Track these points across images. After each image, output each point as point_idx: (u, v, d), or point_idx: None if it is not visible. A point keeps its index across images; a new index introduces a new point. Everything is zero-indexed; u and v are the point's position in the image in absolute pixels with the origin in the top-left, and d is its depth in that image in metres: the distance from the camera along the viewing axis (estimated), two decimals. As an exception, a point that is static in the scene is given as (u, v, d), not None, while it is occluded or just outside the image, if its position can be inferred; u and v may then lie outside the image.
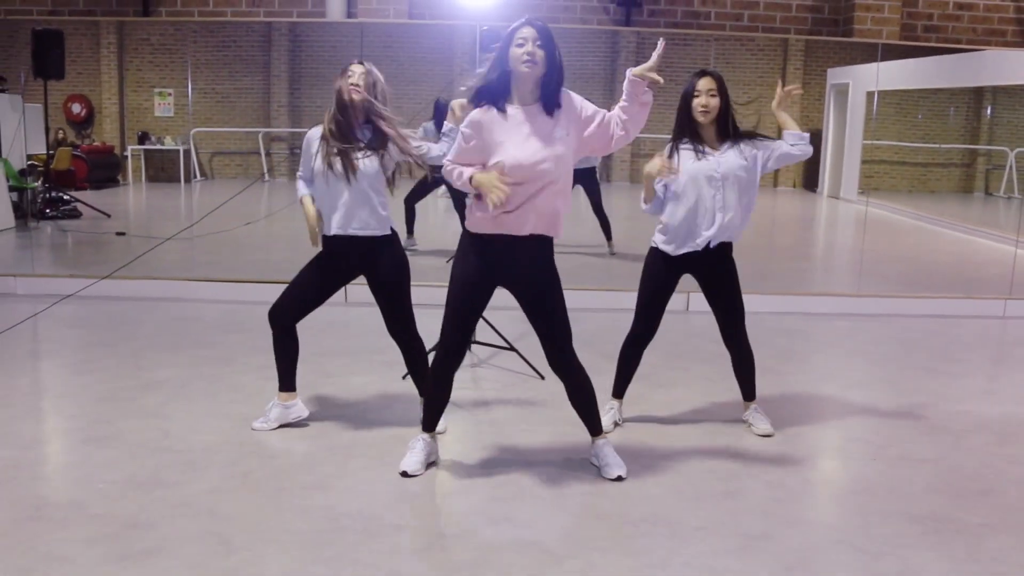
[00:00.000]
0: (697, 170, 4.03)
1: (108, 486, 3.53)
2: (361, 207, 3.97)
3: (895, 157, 14.80)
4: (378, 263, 4.05)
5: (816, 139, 14.66)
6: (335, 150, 3.94)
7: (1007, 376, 5.76)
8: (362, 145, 3.96)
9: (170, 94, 16.20)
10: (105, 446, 3.95)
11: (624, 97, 3.45)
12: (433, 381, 3.74)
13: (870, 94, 14.29)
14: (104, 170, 15.26)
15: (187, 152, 15.48)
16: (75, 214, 11.37)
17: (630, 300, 6.92)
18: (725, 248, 4.15)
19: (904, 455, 4.11)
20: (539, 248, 3.56)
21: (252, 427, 4.19)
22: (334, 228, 3.99)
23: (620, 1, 11.39)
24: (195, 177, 15.10)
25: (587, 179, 8.69)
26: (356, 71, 3.96)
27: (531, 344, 5.27)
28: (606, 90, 13.23)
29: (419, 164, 4.02)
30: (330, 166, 3.93)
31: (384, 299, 4.10)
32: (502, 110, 3.43)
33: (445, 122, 4.11)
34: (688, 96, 4.06)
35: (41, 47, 10.27)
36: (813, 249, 11.59)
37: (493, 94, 3.44)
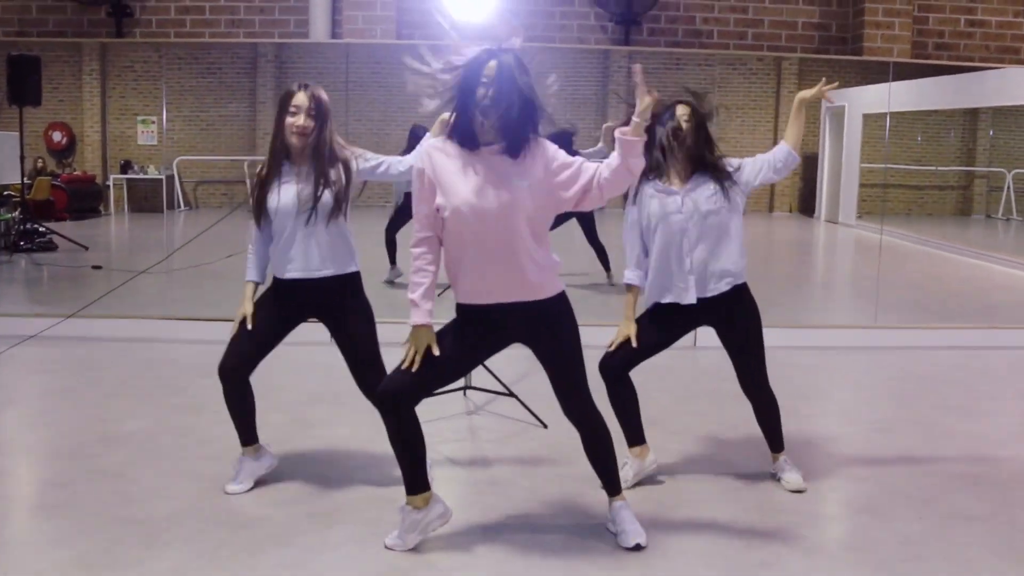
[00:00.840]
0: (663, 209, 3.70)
1: (50, 568, 3.07)
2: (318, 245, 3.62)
3: (891, 180, 14.51)
4: (340, 307, 3.70)
5: (812, 163, 14.36)
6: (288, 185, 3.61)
7: (1044, 414, 5.36)
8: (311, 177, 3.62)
9: (153, 121, 15.82)
10: (56, 515, 3.49)
11: (616, 155, 2.98)
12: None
13: (867, 116, 14.03)
14: (85, 200, 14.85)
15: (171, 180, 15.09)
16: (51, 246, 10.93)
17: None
18: (733, 292, 3.75)
19: (952, 512, 3.68)
20: (547, 305, 3.15)
21: (225, 491, 3.75)
22: (291, 271, 3.63)
23: (618, 20, 11.02)
24: (179, 207, 14.66)
25: (583, 213, 8.30)
26: (300, 104, 3.57)
27: (530, 388, 4.85)
28: (598, 113, 12.87)
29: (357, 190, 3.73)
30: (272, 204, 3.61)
31: (349, 346, 3.72)
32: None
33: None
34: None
35: (17, 73, 9.90)
36: (818, 277, 11.22)
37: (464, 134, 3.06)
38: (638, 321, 3.78)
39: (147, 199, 14.98)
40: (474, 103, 2.92)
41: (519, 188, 2.97)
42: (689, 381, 5.60)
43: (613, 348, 3.75)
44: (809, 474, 4.07)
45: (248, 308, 3.68)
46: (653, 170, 3.69)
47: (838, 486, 3.95)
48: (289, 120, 3.55)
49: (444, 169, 3.02)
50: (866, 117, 13.99)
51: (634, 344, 3.70)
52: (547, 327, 3.15)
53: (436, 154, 3.06)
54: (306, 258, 3.60)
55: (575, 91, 12.93)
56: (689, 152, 3.67)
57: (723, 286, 3.70)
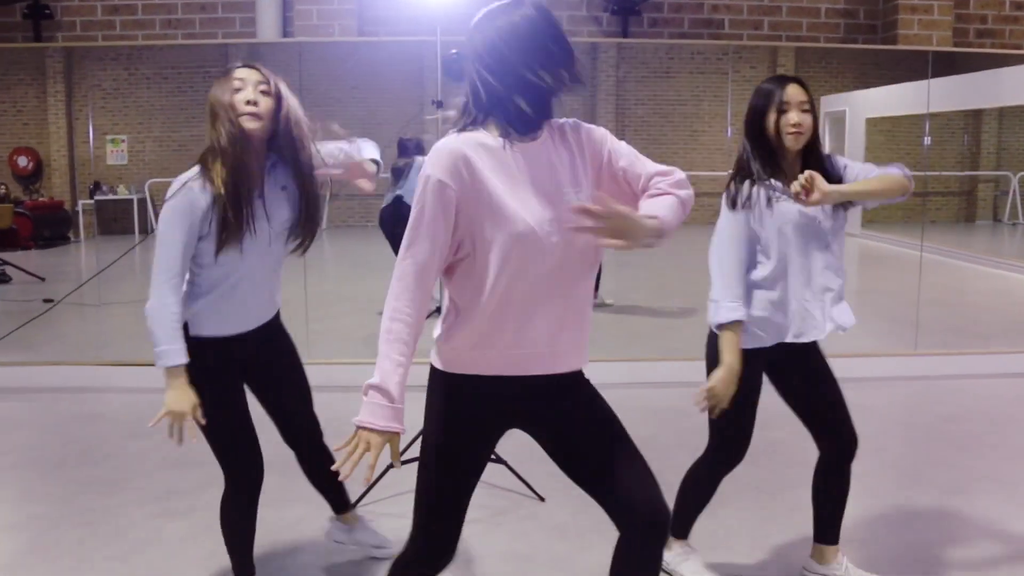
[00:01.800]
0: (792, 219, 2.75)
1: None
2: (272, 288, 2.72)
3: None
4: (272, 346, 2.80)
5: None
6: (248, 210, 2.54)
7: None
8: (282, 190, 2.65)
9: (123, 140, 15.05)
10: None
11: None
12: None
13: (870, 120, 13.30)
14: (52, 227, 14.10)
15: (143, 203, 14.35)
16: (3, 279, 10.15)
17: (643, 371, 5.65)
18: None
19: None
20: (575, 385, 2.15)
21: None
22: (239, 326, 2.67)
23: (615, 10, 10.11)
24: (152, 231, 13.85)
25: None
26: (247, 78, 2.55)
27: (522, 454, 3.96)
28: (586, 113, 12.02)
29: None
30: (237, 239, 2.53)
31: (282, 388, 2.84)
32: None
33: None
34: (763, 111, 2.76)
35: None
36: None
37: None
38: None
39: (116, 220, 14.25)
40: (543, 65, 1.93)
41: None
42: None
43: (716, 413, 2.76)
44: (871, 560, 3.20)
45: (192, 397, 2.53)
46: (767, 167, 2.75)
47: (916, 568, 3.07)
48: (236, 98, 2.51)
49: (491, 179, 1.95)
50: (869, 121, 13.28)
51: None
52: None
53: (474, 152, 1.94)
54: (266, 304, 2.72)
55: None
56: (807, 150, 2.77)
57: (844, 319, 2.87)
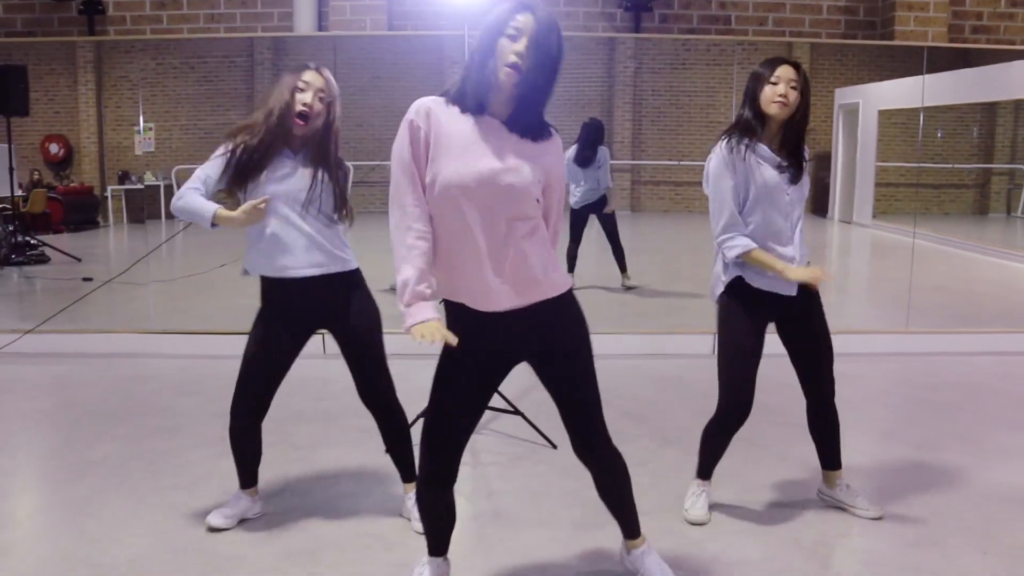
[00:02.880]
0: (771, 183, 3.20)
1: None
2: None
3: (902, 179, 14.11)
4: (342, 310, 3.22)
5: (825, 161, 13.81)
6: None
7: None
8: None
9: (151, 128, 15.49)
10: (6, 557, 3.08)
11: None
12: (423, 512, 2.71)
13: (883, 113, 13.57)
14: (82, 212, 14.56)
15: (169, 189, 14.79)
16: (43, 259, 10.62)
17: (652, 343, 6.08)
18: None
19: (1019, 544, 3.23)
20: (558, 309, 2.57)
21: (209, 523, 3.30)
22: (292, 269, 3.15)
23: (628, 6, 10.53)
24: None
25: (600, 207, 7.91)
26: (312, 82, 3.08)
27: (537, 404, 4.42)
28: (604, 104, 12.39)
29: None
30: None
31: (352, 355, 3.26)
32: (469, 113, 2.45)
33: None
34: (758, 82, 3.22)
35: (2, 83, 9.56)
36: (839, 280, 10.75)
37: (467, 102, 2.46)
38: (737, 315, 3.28)
39: (144, 208, 14.68)
40: (494, 58, 2.36)
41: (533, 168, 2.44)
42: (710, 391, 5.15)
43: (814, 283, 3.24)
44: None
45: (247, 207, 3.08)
46: (746, 132, 3.22)
47: (888, 516, 3.50)
48: (297, 96, 3.05)
49: (446, 132, 2.42)
50: (882, 113, 13.54)
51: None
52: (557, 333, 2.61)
53: (436, 110, 2.44)
54: (307, 252, 3.14)
55: (580, 82, 12.47)
56: (790, 125, 3.23)
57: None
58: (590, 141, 7.75)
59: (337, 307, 3.20)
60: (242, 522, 3.36)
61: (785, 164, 3.20)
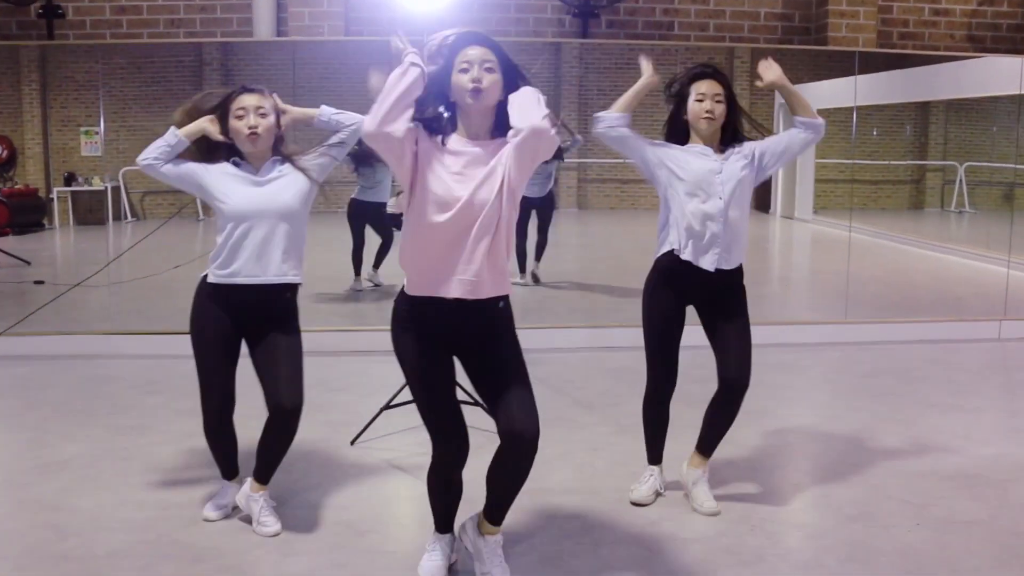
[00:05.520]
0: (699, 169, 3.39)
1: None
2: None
3: (842, 175, 14.55)
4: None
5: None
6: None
7: (1025, 408, 5.22)
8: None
9: (97, 132, 15.33)
10: (-18, 554, 3.17)
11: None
12: (438, 492, 2.96)
13: (821, 112, 13.96)
14: (28, 214, 14.37)
15: (116, 191, 14.64)
16: (-10, 263, 10.50)
17: (601, 336, 6.29)
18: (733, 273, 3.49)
19: (949, 516, 3.49)
20: (498, 309, 2.78)
21: (205, 517, 3.44)
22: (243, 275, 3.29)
23: (576, 12, 10.78)
24: (126, 218, 14.19)
25: (545, 205, 8.12)
26: (248, 105, 3.18)
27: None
28: (551, 104, 12.54)
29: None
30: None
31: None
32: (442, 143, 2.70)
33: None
34: (682, 98, 3.43)
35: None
36: (782, 273, 11.10)
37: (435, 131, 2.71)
38: (659, 291, 3.52)
39: (92, 211, 14.53)
40: (459, 91, 2.64)
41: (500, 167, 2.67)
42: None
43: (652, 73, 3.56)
44: (794, 481, 3.88)
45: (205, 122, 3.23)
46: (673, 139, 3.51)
47: (827, 493, 3.74)
48: (238, 124, 3.18)
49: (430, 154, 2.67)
50: (819, 112, 13.94)
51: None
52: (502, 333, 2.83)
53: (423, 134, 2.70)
54: (264, 262, 3.26)
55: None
56: (724, 128, 3.44)
57: (735, 260, 3.46)
58: None
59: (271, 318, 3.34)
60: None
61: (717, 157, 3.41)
